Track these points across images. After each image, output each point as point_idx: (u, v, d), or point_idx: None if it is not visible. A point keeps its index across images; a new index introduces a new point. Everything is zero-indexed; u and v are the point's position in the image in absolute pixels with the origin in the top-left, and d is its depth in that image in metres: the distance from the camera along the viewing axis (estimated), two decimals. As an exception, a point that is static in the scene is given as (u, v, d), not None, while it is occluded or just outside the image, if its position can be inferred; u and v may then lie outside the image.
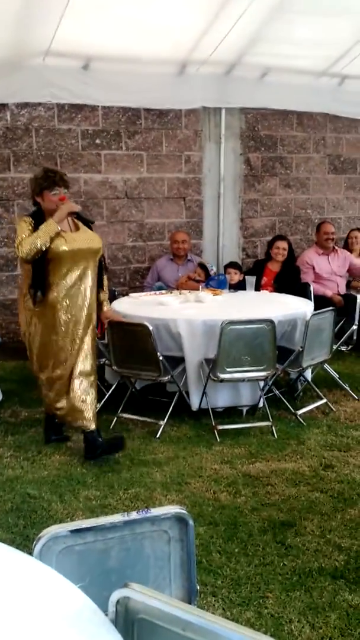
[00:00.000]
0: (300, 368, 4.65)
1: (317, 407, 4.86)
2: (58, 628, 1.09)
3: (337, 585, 2.69)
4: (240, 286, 5.87)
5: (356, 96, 7.18)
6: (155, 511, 1.56)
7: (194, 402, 4.58)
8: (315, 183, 7.59)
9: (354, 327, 5.55)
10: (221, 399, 4.67)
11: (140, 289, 6.51)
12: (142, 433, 4.45)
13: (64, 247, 3.77)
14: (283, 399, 4.75)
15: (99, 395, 4.20)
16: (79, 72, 6.02)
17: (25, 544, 2.91)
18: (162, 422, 4.41)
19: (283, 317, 4.68)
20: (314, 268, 6.44)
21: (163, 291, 5.83)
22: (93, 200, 6.53)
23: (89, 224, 4.06)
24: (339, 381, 5.23)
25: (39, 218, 3.84)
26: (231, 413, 4.70)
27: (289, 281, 6.02)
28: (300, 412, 4.66)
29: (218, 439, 4.27)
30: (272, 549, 2.97)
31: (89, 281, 3.90)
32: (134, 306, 5.03)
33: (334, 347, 5.13)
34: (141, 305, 5.05)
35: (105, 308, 4.20)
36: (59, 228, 3.77)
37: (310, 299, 5.55)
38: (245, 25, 5.62)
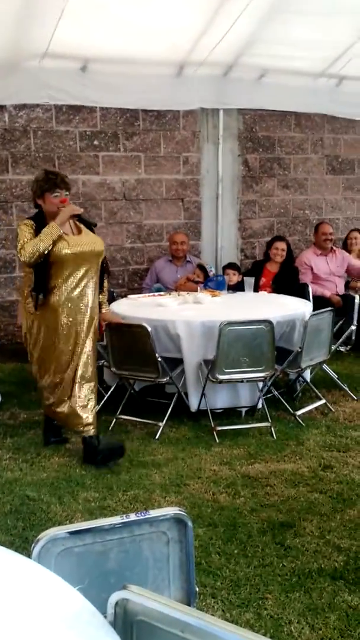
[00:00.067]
0: (299, 369, 4.65)
1: (316, 408, 4.86)
2: (57, 630, 1.09)
3: (337, 586, 2.69)
4: (238, 287, 5.88)
5: (354, 97, 7.19)
6: (154, 513, 1.56)
7: (193, 403, 4.58)
8: (314, 184, 7.60)
9: (353, 327, 5.55)
10: (220, 400, 4.67)
11: (139, 290, 6.51)
12: (141, 434, 4.45)
13: (67, 250, 3.74)
14: (282, 399, 4.75)
15: (98, 397, 4.19)
16: (76, 74, 6.03)
17: (24, 546, 2.91)
18: (161, 424, 4.41)
19: (282, 317, 4.68)
20: (312, 269, 6.44)
21: (162, 292, 5.83)
22: (91, 202, 6.53)
23: (91, 226, 4.03)
24: (338, 382, 5.23)
25: (40, 221, 3.81)
26: (230, 414, 4.70)
27: (288, 282, 6.02)
28: (299, 412, 4.66)
29: (217, 440, 4.27)
30: (271, 550, 2.97)
31: (92, 284, 3.87)
32: (133, 308, 5.03)
33: (333, 347, 5.13)
34: (140, 307, 5.05)
35: (104, 310, 4.19)
36: (61, 231, 3.74)
37: (309, 300, 5.56)
38: (242, 27, 5.64)
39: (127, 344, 4.44)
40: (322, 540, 3.04)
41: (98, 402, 4.13)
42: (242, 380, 4.47)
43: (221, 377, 4.33)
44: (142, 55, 5.84)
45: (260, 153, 7.26)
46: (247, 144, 7.18)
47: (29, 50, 5.56)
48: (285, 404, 4.71)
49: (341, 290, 6.49)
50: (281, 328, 4.66)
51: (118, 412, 4.60)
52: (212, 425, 4.38)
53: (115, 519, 1.52)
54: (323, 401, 4.90)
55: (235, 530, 3.15)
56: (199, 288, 5.61)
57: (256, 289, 5.87)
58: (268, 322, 4.31)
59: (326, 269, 6.47)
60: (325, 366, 5.15)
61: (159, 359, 4.32)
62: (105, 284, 4.19)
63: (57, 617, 1.13)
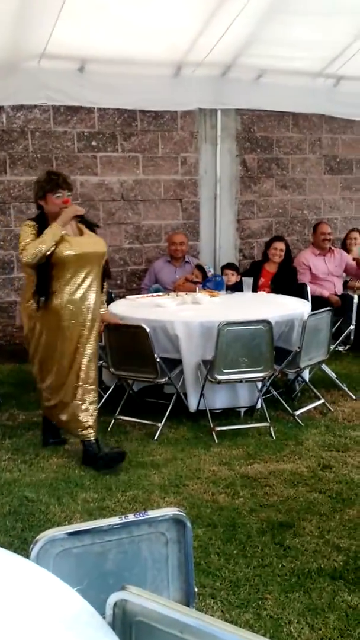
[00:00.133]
0: (298, 369, 4.65)
1: (315, 408, 4.86)
2: (55, 631, 1.09)
3: (336, 586, 2.69)
4: (237, 287, 5.88)
5: (351, 97, 7.19)
6: (153, 513, 1.56)
7: (192, 404, 4.58)
8: (312, 184, 7.60)
9: (351, 327, 5.55)
10: (219, 400, 4.67)
11: (138, 291, 6.51)
12: (139, 435, 4.44)
13: (69, 252, 3.70)
14: (281, 399, 4.74)
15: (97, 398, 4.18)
16: (74, 75, 6.02)
17: (23, 547, 2.90)
18: (160, 424, 4.40)
19: (280, 317, 4.68)
20: (310, 269, 6.44)
21: (160, 293, 5.83)
22: (89, 203, 6.52)
23: (92, 227, 4.00)
24: (337, 381, 5.23)
25: (42, 222, 3.78)
26: (229, 414, 4.70)
27: (286, 282, 6.02)
28: (298, 412, 4.66)
29: (216, 441, 4.27)
30: (270, 550, 2.97)
31: (94, 286, 3.82)
32: (131, 308, 5.03)
33: (332, 347, 5.14)
34: (138, 307, 5.05)
35: (102, 310, 4.18)
36: (64, 232, 3.72)
37: (308, 300, 5.56)
38: (240, 27, 5.64)
39: (125, 345, 4.43)
40: (321, 540, 3.04)
41: (97, 402, 4.12)
42: (241, 381, 4.47)
43: (220, 377, 4.33)
44: (140, 56, 5.84)
45: (258, 153, 7.26)
46: (245, 144, 7.18)
47: (27, 50, 5.56)
48: (284, 404, 4.70)
49: (340, 290, 6.50)
50: (280, 328, 4.66)
51: (117, 412, 4.60)
52: (211, 426, 4.38)
53: (114, 520, 1.51)
54: (322, 401, 4.90)
55: (235, 530, 3.14)
56: (197, 288, 5.61)
57: (255, 289, 5.86)
58: (267, 322, 4.31)
59: (324, 269, 6.48)
60: (324, 366, 5.15)
61: (158, 360, 4.32)
62: (105, 285, 4.18)
63: (55, 618, 1.13)
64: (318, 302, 5.60)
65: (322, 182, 7.65)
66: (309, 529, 3.15)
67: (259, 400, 4.62)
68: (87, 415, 3.87)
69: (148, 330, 4.27)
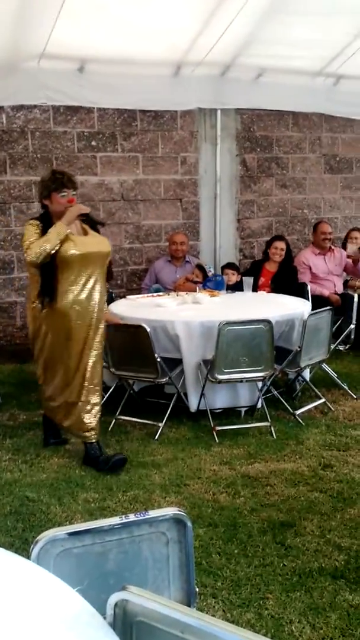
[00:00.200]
0: (299, 368, 4.65)
1: (315, 407, 4.86)
2: (56, 632, 1.09)
3: (338, 585, 2.69)
4: (237, 287, 5.87)
5: (351, 96, 7.19)
6: (153, 513, 1.55)
7: (193, 404, 4.58)
8: (312, 183, 7.60)
9: (352, 326, 5.55)
10: (219, 400, 4.67)
11: (138, 291, 6.51)
12: (140, 435, 4.44)
13: (74, 251, 3.67)
14: (281, 399, 4.74)
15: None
16: (74, 75, 6.02)
17: (24, 547, 2.90)
18: (161, 424, 4.40)
19: (280, 317, 4.68)
20: (310, 268, 6.44)
21: (160, 293, 5.83)
22: (89, 203, 6.50)
23: (96, 226, 3.97)
24: (337, 381, 5.23)
25: (46, 221, 3.75)
26: (230, 414, 4.69)
27: (287, 281, 6.02)
28: (298, 412, 4.66)
29: (217, 440, 4.27)
30: (271, 549, 2.97)
31: (98, 286, 3.79)
32: (132, 308, 5.03)
33: (332, 346, 5.13)
34: (138, 307, 5.05)
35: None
36: (69, 230, 3.70)
37: (308, 299, 5.55)
38: (239, 27, 5.64)
39: (126, 345, 4.43)
40: (322, 540, 3.04)
41: (100, 404, 4.10)
42: (241, 380, 4.47)
43: (220, 377, 4.33)
44: (140, 56, 5.84)
45: (258, 153, 7.26)
46: (245, 144, 7.18)
47: (27, 51, 5.56)
48: (285, 404, 4.70)
49: (340, 289, 6.49)
50: (280, 327, 4.66)
51: (117, 412, 4.59)
52: (212, 425, 4.38)
53: (114, 520, 1.51)
54: (322, 400, 4.90)
55: (236, 530, 3.14)
56: (197, 288, 5.61)
57: (255, 288, 5.86)
58: (267, 322, 4.31)
59: (324, 268, 6.48)
60: (324, 365, 5.15)
61: (158, 359, 4.32)
62: (106, 285, 4.17)
63: (56, 619, 1.13)
64: (318, 302, 5.60)
65: (322, 181, 7.65)
66: (310, 529, 3.15)
67: (260, 399, 4.62)
68: (91, 417, 3.86)
69: (148, 330, 4.26)
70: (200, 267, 6.14)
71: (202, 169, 7.01)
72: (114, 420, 4.54)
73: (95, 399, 3.86)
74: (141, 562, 1.55)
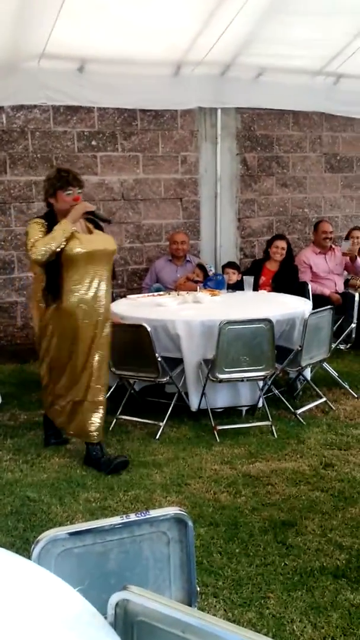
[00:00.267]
0: (299, 367, 4.65)
1: (316, 406, 4.85)
2: (57, 631, 1.09)
3: (339, 585, 2.69)
4: (238, 286, 5.87)
5: (351, 95, 7.19)
6: (154, 513, 1.55)
7: (193, 403, 4.58)
8: (312, 182, 7.59)
9: (353, 325, 5.55)
10: (220, 399, 4.67)
11: (138, 290, 6.51)
12: (141, 434, 4.44)
13: (79, 249, 3.65)
14: (282, 398, 4.74)
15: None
16: (74, 74, 6.01)
17: (25, 547, 2.90)
18: (162, 424, 4.40)
19: (281, 316, 4.68)
20: (311, 267, 6.44)
21: (161, 292, 5.83)
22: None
23: (104, 222, 3.94)
24: (338, 380, 5.23)
25: (51, 220, 3.72)
26: (230, 413, 4.69)
27: (287, 280, 6.01)
28: (299, 411, 4.66)
29: (218, 440, 4.27)
30: (273, 549, 2.97)
31: (104, 285, 3.78)
32: (132, 308, 5.03)
33: (333, 345, 5.13)
34: (139, 307, 5.05)
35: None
36: (74, 228, 3.68)
37: (309, 298, 5.55)
38: (240, 26, 5.63)
39: (126, 344, 4.43)
40: (323, 539, 3.04)
41: (104, 405, 4.09)
42: (242, 379, 4.46)
43: (221, 376, 4.32)
44: (140, 55, 5.83)
45: (259, 152, 7.26)
46: (245, 143, 7.18)
47: (27, 51, 5.56)
48: (286, 403, 4.70)
49: (340, 288, 6.49)
50: (281, 327, 4.66)
51: (118, 412, 4.59)
52: (213, 425, 4.38)
53: (115, 520, 1.51)
54: (323, 399, 4.90)
55: (237, 529, 3.14)
56: (198, 287, 5.61)
57: (256, 287, 5.86)
58: (268, 321, 4.31)
59: (325, 268, 6.47)
60: (325, 364, 5.15)
61: (159, 359, 4.32)
62: None
63: (57, 619, 1.13)
64: (319, 301, 5.60)
65: (322, 180, 7.64)
66: (311, 528, 3.15)
67: (261, 399, 4.62)
68: (95, 417, 3.84)
69: (149, 329, 4.26)
70: (200, 267, 6.14)
71: (203, 168, 7.00)
72: (114, 420, 4.54)
73: (99, 399, 3.85)
74: (142, 562, 1.55)
